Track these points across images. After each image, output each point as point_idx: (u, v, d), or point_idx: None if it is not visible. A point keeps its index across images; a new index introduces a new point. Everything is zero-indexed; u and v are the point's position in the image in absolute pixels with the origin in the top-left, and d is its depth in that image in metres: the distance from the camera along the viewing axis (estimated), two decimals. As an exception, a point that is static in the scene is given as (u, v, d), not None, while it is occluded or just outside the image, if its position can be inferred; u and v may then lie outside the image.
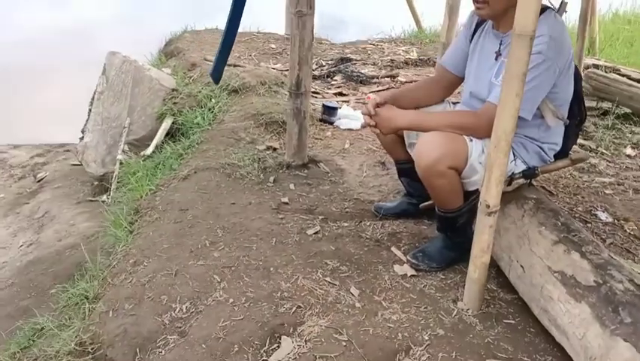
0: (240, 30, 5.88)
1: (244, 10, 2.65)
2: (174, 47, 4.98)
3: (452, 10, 3.88)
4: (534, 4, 1.43)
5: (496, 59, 1.84)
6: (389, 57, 4.93)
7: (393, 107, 1.91)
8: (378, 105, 1.92)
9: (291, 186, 2.56)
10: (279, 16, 5.81)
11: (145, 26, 8.86)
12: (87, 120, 3.91)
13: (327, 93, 3.96)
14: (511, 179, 1.80)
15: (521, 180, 1.83)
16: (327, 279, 1.89)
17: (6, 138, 5.29)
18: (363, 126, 3.16)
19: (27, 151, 4.91)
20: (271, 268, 1.93)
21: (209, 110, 3.54)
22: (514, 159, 1.81)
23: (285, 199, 2.42)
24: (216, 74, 2.62)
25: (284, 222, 2.24)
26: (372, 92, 4.04)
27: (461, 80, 2.08)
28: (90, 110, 3.92)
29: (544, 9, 1.66)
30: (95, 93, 3.98)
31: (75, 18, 10.06)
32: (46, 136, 5.27)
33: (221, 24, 5.65)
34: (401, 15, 6.64)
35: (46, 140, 5.18)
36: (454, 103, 2.14)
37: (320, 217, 2.29)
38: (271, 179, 2.59)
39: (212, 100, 3.63)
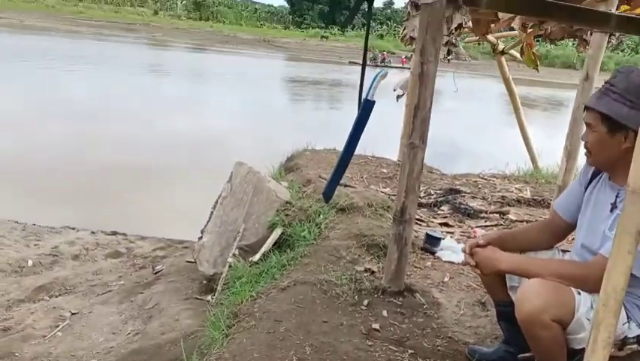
0: (355, 153, 6.26)
1: (360, 138, 2.88)
2: (294, 163, 5.39)
3: (570, 153, 3.84)
4: (649, 160, 1.41)
5: (611, 210, 1.79)
6: (500, 193, 4.88)
7: (496, 249, 1.90)
8: (479, 246, 1.92)
9: (384, 312, 2.53)
10: (394, 143, 6.13)
11: (272, 140, 9.79)
12: (207, 222, 4.28)
13: (432, 222, 3.98)
14: (623, 343, 1.65)
15: (635, 346, 1.67)
16: (411, 421, 1.79)
17: (136, 229, 5.93)
18: (464, 264, 3.10)
19: (151, 243, 5.43)
20: (354, 398, 1.88)
21: (317, 225, 3.71)
22: (628, 321, 1.67)
23: (377, 326, 2.40)
24: (328, 194, 2.80)
25: (372, 350, 2.20)
26: (478, 226, 3.99)
27: (573, 227, 2.02)
28: (212, 212, 4.30)
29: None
30: (218, 197, 4.39)
31: (210, 128, 11.46)
32: (169, 231, 5.83)
33: (339, 145, 6.12)
34: (517, 151, 6.66)
35: (169, 235, 5.72)
36: (564, 251, 2.06)
37: (409, 351, 2.22)
38: (365, 302, 2.60)
39: (321, 216, 3.82)
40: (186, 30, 46.96)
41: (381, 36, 53.07)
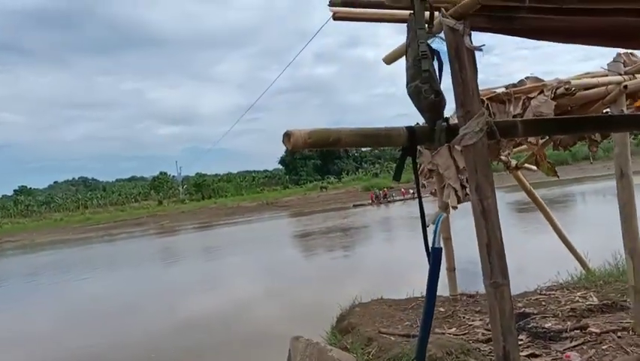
0: (404, 297, 6.06)
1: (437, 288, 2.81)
2: (347, 323, 5.18)
3: (631, 251, 3.75)
4: None
5: None
6: (568, 306, 4.65)
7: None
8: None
9: None
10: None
11: (305, 302, 9.55)
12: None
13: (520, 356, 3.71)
14: None
15: None
16: None
17: None
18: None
19: None
20: None
21: (401, 389, 3.46)
22: None
23: None
24: (421, 357, 2.67)
25: None
26: (566, 349, 3.72)
27: None
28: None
29: None
30: (285, 381, 4.14)
31: (238, 304, 11.12)
32: None
33: (385, 293, 5.94)
34: (562, 258, 6.49)
35: None
36: None
37: None
38: None
39: (401, 377, 3.58)
40: (192, 212, 48.74)
41: (376, 175, 55.14)
